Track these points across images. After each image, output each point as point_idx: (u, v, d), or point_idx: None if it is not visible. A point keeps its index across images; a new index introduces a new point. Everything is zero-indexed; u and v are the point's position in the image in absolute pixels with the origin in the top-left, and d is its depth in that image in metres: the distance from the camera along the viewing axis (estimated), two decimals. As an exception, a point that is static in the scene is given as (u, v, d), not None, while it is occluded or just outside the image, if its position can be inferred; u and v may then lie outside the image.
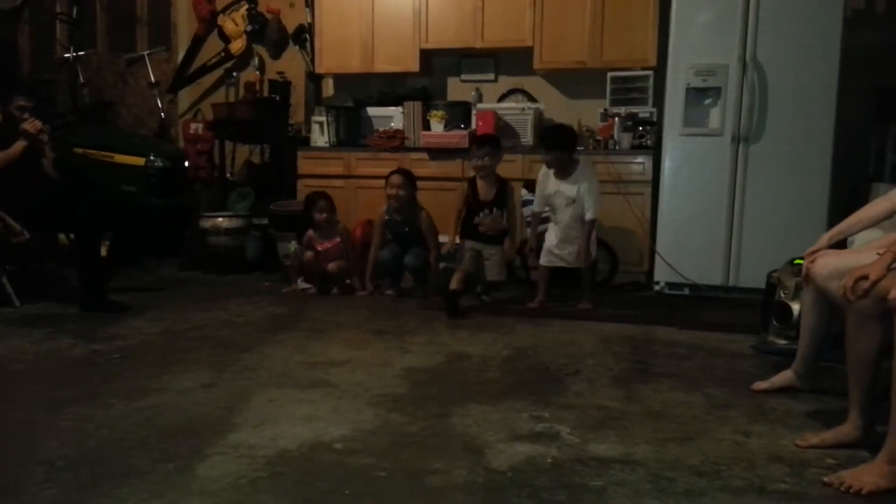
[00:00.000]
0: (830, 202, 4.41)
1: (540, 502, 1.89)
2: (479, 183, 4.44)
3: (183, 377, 2.89)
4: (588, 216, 4.17)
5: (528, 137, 5.20)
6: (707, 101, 4.59)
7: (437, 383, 2.89)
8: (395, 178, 4.57)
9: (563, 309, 4.19)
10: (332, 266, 4.58)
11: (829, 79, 4.33)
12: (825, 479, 2.03)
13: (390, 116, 5.50)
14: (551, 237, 4.30)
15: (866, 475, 1.98)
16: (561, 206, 4.21)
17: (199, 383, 2.82)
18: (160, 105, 6.17)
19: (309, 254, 4.59)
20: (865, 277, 2.11)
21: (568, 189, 4.18)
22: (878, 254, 2.18)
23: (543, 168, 4.35)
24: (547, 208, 4.32)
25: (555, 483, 2.00)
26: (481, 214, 4.42)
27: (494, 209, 4.41)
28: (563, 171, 4.21)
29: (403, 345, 3.45)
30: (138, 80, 6.52)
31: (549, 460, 2.15)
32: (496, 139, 4.60)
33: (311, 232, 4.68)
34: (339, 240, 4.67)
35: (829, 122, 4.36)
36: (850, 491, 1.96)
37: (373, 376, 2.94)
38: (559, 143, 4.22)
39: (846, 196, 4.70)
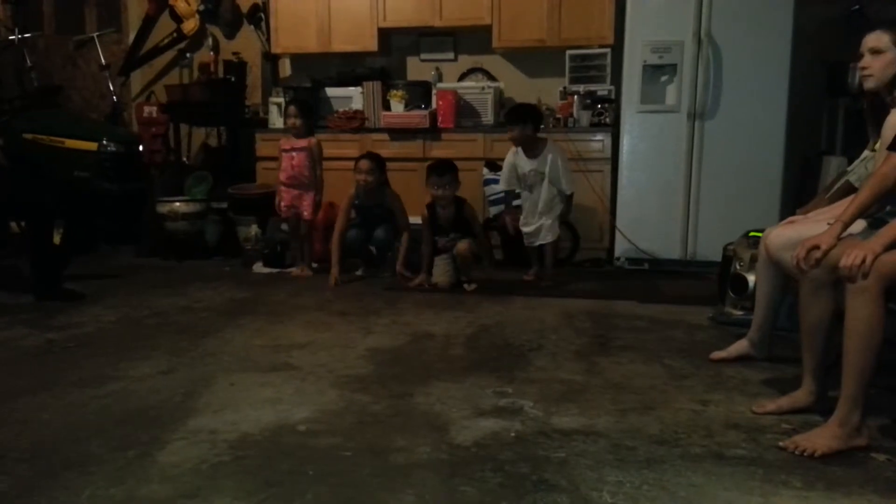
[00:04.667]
0: (784, 176, 4.51)
1: (504, 475, 1.91)
2: (439, 211, 4.30)
3: (141, 364, 2.84)
4: (567, 191, 4.23)
5: (488, 117, 5.19)
6: (663, 78, 4.63)
7: (400, 363, 2.89)
8: (364, 164, 4.41)
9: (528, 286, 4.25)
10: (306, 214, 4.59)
11: (782, 54, 4.41)
12: (781, 443, 2.09)
13: (350, 97, 5.44)
14: (528, 216, 4.29)
15: (819, 438, 2.05)
16: (537, 183, 4.23)
17: (159, 370, 2.78)
18: (112, 88, 5.99)
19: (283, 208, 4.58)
20: (817, 247, 2.16)
21: (539, 165, 4.20)
22: (829, 224, 2.23)
23: (511, 150, 4.32)
24: (518, 188, 4.33)
25: (518, 456, 2.02)
26: (442, 239, 4.30)
27: (451, 233, 4.27)
28: (531, 149, 4.22)
29: (367, 325, 3.44)
30: (88, 62, 6.33)
31: (513, 434, 2.17)
32: (454, 166, 4.32)
33: (281, 142, 4.63)
34: (306, 143, 4.54)
35: (782, 97, 4.45)
36: (805, 454, 2.02)
37: (336, 358, 2.93)
38: (523, 118, 4.21)
39: (799, 170, 4.81)
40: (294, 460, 2.01)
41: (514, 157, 4.29)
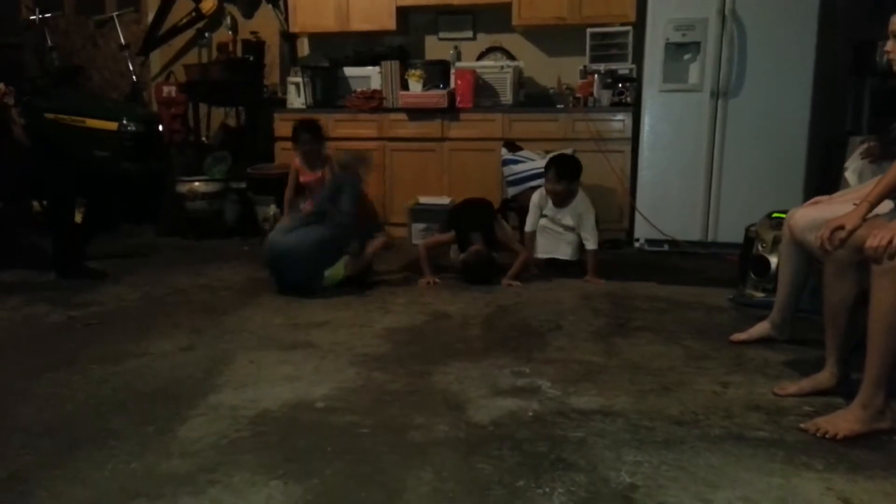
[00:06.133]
0: (808, 156, 4.44)
1: (521, 454, 1.91)
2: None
3: (162, 341, 2.87)
4: (589, 246, 4.01)
5: (507, 96, 5.14)
6: (686, 57, 4.56)
7: (418, 342, 2.89)
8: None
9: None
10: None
11: (808, 32, 4.31)
12: (802, 425, 2.07)
13: (368, 76, 5.40)
14: (548, 242, 4.12)
15: (841, 421, 2.02)
16: (559, 231, 4.08)
17: (179, 347, 2.80)
18: (131, 68, 6.02)
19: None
20: (842, 228, 2.13)
21: (567, 219, 4.04)
22: (855, 204, 2.19)
23: (540, 191, 4.13)
24: (540, 222, 4.13)
25: (536, 435, 2.02)
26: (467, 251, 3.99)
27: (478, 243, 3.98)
28: (563, 199, 4.05)
29: (385, 305, 3.44)
30: (108, 42, 6.35)
31: (531, 413, 2.17)
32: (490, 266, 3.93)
33: (296, 161, 4.49)
34: (327, 170, 4.42)
35: (807, 77, 4.36)
36: (826, 436, 2.00)
37: (354, 336, 2.94)
38: (575, 175, 4.05)
39: (823, 150, 4.72)
40: (313, 437, 2.02)
41: (541, 201, 4.10)
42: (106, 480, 1.78)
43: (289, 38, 5.83)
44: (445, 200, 4.84)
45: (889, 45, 2.29)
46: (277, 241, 3.66)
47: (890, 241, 1.93)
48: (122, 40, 5.98)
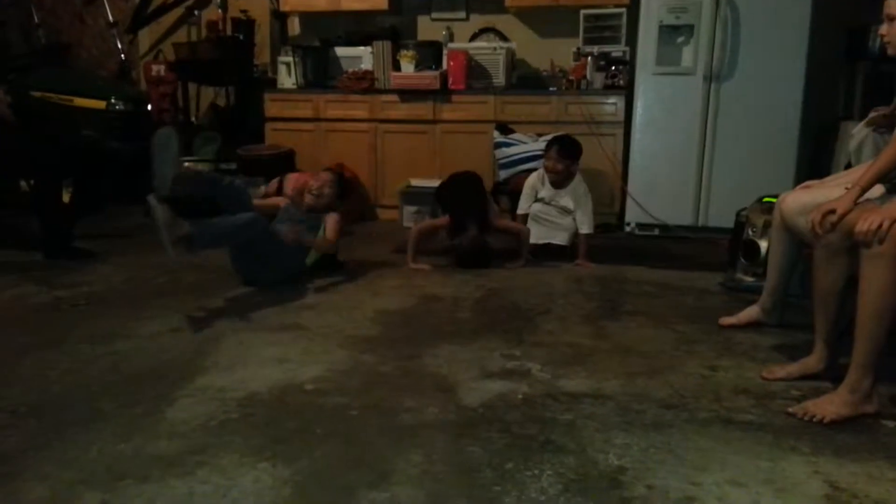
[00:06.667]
0: (800, 141, 4.44)
1: (511, 436, 1.91)
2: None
3: (150, 322, 2.84)
4: (584, 230, 3.96)
5: (500, 78, 5.11)
6: (680, 40, 4.53)
7: (408, 325, 2.88)
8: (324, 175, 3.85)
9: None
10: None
11: (802, 16, 4.30)
12: (790, 409, 2.07)
13: (359, 57, 5.36)
14: (545, 230, 4.05)
15: (829, 405, 2.03)
16: (555, 215, 4.02)
17: (168, 328, 2.78)
18: (120, 46, 5.95)
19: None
20: (833, 212, 2.13)
21: (564, 200, 3.99)
22: (846, 188, 2.19)
23: (537, 174, 4.09)
24: (534, 210, 4.07)
25: (525, 417, 2.02)
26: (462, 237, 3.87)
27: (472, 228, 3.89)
28: (562, 181, 4.01)
29: (375, 288, 3.43)
30: (96, 19, 6.27)
31: (520, 396, 2.17)
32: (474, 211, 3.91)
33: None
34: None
35: (800, 61, 4.35)
36: (814, 420, 2.01)
37: (344, 319, 2.93)
38: (576, 155, 4.01)
39: (816, 135, 4.72)
40: (302, 418, 2.01)
41: (538, 182, 4.06)
42: (93, 462, 1.77)
43: (279, 17, 5.77)
44: (437, 183, 4.81)
45: (884, 28, 2.28)
46: (247, 276, 3.43)
47: (880, 226, 1.93)
48: (110, 17, 5.91)
